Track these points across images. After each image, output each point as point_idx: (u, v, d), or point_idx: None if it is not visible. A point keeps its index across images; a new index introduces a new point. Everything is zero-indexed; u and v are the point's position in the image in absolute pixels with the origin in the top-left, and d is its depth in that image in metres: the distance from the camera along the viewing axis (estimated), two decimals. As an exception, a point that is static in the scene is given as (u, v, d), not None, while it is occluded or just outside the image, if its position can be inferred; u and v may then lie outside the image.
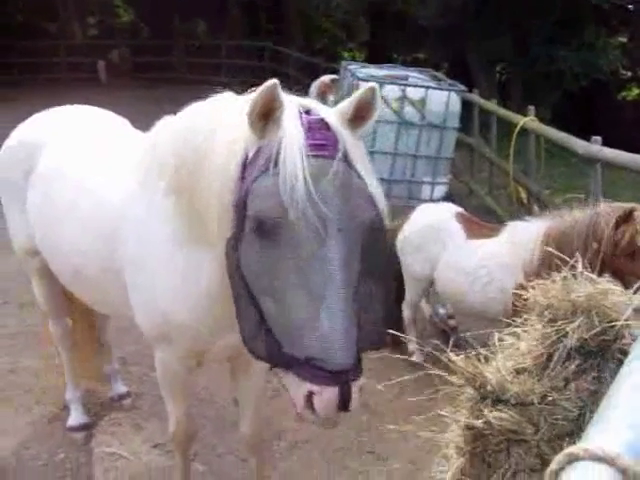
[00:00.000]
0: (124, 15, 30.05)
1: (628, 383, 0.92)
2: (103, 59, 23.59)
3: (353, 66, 8.29)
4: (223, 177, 2.01)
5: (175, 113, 2.48)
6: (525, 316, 3.13)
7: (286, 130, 1.84)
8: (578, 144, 5.55)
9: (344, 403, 1.71)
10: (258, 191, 1.80)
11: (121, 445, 3.88)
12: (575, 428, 1.66)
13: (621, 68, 19.18)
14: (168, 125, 2.52)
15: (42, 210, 3.18)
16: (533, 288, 2.67)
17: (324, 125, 1.88)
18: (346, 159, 1.84)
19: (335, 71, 10.01)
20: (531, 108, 7.60)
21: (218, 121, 2.15)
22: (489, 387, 1.80)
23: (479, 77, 16.24)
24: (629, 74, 21.39)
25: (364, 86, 2.00)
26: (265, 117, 1.88)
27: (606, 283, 2.40)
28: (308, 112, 1.93)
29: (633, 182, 9.51)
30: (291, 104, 1.93)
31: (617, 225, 3.51)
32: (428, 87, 7.00)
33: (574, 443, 0.88)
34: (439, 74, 8.83)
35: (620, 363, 2.50)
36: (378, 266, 1.89)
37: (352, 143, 1.89)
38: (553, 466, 0.78)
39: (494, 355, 2.43)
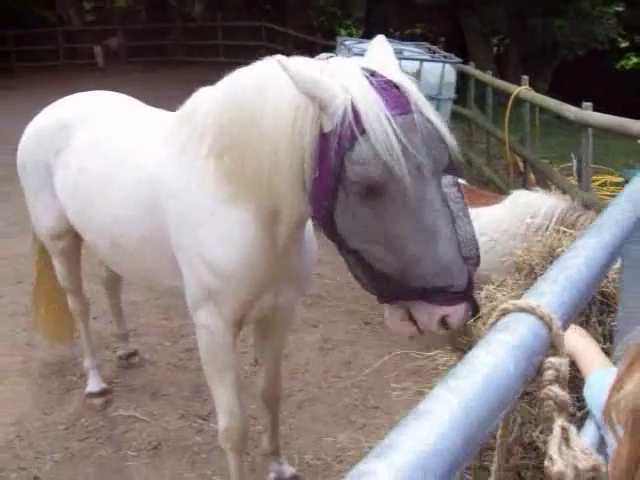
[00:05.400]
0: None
1: (555, 269, 1.15)
2: (100, 44, 23.67)
3: (349, 42, 8.42)
4: (290, 151, 2.13)
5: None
6: (509, 278, 3.30)
7: (361, 97, 1.95)
8: (569, 110, 5.69)
9: (474, 309, 2.05)
10: (356, 160, 1.93)
11: (138, 408, 4.09)
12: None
13: (618, 37, 19.22)
14: (206, 93, 2.62)
15: (77, 186, 3.25)
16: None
17: (393, 85, 2.02)
18: (419, 111, 2.00)
19: (333, 49, 10.13)
20: (525, 78, 7.71)
21: (268, 82, 2.24)
22: None
23: (476, 50, 16.33)
24: (627, 43, 21.42)
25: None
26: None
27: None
28: (373, 74, 2.04)
29: (626, 149, 9.65)
30: (356, 70, 2.05)
31: None
32: (422, 60, 7.15)
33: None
34: (434, 47, 8.97)
35: (601, 304, 2.69)
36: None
37: (418, 94, 2.05)
38: (491, 320, 0.98)
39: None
